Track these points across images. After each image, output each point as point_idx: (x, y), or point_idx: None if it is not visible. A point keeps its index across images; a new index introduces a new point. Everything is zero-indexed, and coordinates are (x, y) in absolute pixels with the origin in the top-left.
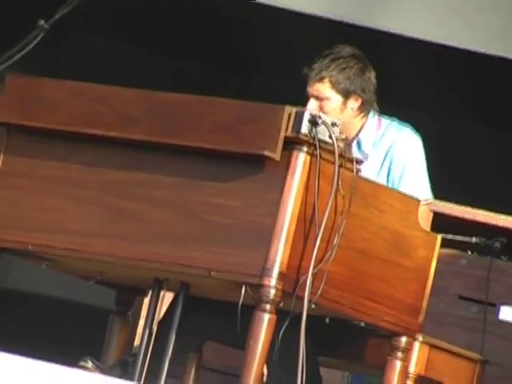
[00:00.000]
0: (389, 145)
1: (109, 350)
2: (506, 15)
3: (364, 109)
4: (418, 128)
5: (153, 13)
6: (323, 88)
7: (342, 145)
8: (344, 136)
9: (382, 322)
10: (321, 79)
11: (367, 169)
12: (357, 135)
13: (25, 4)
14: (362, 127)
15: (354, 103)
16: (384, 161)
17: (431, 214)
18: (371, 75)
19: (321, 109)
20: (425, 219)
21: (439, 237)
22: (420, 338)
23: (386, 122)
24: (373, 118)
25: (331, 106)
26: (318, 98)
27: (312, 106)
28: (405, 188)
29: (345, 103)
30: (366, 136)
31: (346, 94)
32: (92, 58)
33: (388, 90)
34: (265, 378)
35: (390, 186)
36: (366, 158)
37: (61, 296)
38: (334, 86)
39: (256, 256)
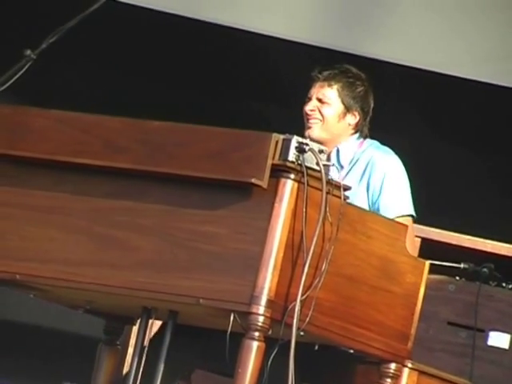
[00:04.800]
0: (368, 159)
1: (97, 379)
2: (488, 41)
3: (357, 128)
4: (403, 153)
5: (143, 40)
6: (330, 92)
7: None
8: (331, 163)
9: (370, 349)
10: (330, 85)
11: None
12: (337, 145)
13: (11, 34)
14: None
15: (352, 119)
16: (363, 175)
17: (418, 240)
18: (371, 102)
19: (319, 111)
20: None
21: (427, 263)
22: (409, 365)
23: (367, 142)
24: (357, 140)
25: (331, 111)
26: (320, 101)
27: (313, 105)
28: (384, 200)
29: (344, 114)
30: (345, 148)
31: (348, 107)
32: (79, 87)
33: (374, 116)
34: None
35: (370, 198)
36: (342, 168)
37: (49, 325)
38: (341, 94)
39: (244, 283)
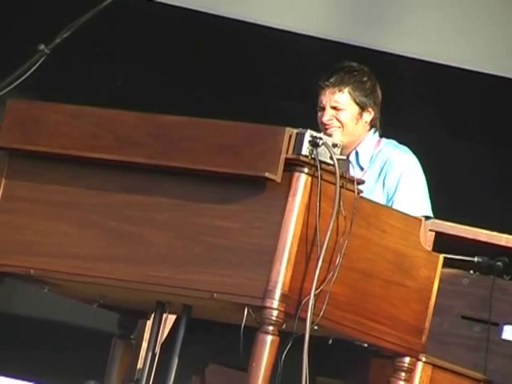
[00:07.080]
0: (385, 158)
1: (111, 374)
2: (504, 35)
3: (373, 123)
4: (418, 148)
5: (155, 35)
6: (342, 98)
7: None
8: (344, 157)
9: (384, 343)
10: (340, 90)
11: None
12: (355, 147)
13: (25, 29)
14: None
15: (368, 116)
16: (380, 173)
17: (432, 234)
18: (380, 94)
19: (337, 119)
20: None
21: (441, 256)
22: (423, 358)
23: (384, 141)
24: (374, 135)
25: (348, 115)
26: (335, 109)
27: (330, 115)
28: (399, 199)
29: (361, 114)
30: (364, 150)
31: (363, 106)
32: (93, 82)
33: (389, 111)
34: None
35: (385, 197)
36: (362, 170)
37: (63, 320)
38: (353, 96)
39: (258, 278)
